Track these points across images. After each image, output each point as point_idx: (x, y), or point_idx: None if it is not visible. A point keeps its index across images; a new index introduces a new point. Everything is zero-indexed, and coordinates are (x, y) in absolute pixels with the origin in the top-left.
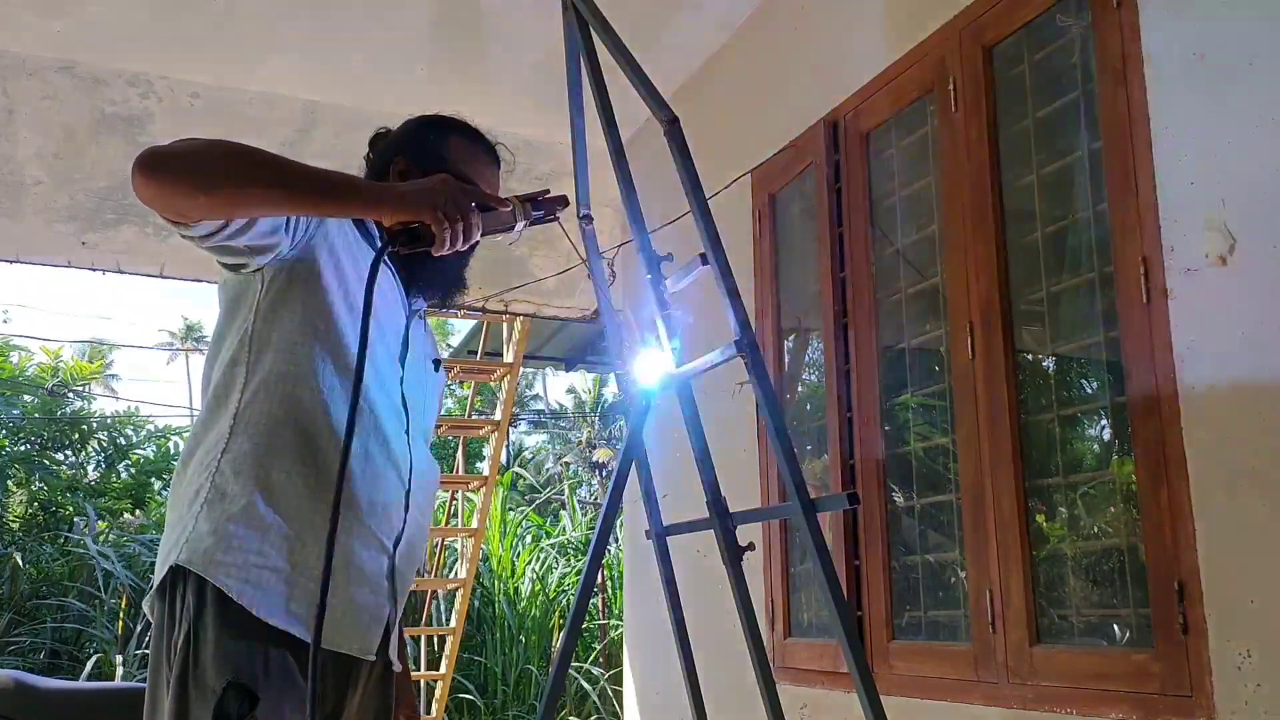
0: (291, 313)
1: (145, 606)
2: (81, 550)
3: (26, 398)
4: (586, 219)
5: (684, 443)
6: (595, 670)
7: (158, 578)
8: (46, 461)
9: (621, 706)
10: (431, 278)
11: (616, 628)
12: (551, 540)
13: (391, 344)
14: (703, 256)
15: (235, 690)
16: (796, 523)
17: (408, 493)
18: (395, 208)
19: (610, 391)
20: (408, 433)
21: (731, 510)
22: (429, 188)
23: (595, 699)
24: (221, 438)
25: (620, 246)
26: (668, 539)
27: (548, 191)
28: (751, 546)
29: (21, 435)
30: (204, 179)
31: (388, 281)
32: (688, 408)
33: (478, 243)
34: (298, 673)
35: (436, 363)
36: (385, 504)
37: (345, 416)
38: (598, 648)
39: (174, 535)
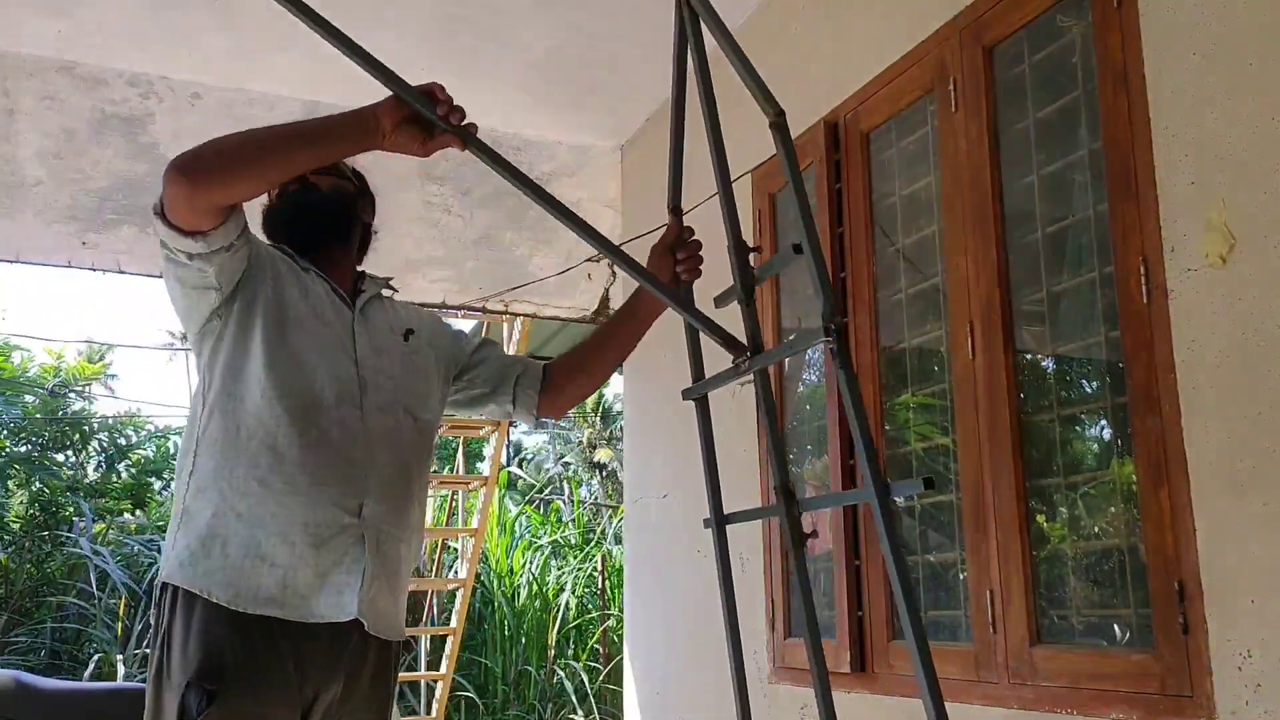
0: (234, 337)
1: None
2: (80, 550)
3: (28, 398)
4: (675, 212)
5: (683, 443)
6: (595, 668)
7: (156, 594)
8: (47, 462)
9: (621, 706)
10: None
11: (617, 626)
12: (551, 540)
13: (340, 336)
14: (796, 246)
15: (194, 688)
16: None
17: (365, 464)
18: (362, 140)
19: (611, 392)
20: (361, 407)
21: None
22: (387, 109)
23: (595, 698)
24: (188, 461)
25: (622, 245)
26: (664, 539)
27: None
28: (815, 534)
29: (22, 436)
30: (234, 167)
31: (319, 290)
32: (764, 393)
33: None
34: (283, 653)
35: (408, 333)
36: (340, 479)
37: (287, 415)
38: (600, 648)
39: (163, 558)
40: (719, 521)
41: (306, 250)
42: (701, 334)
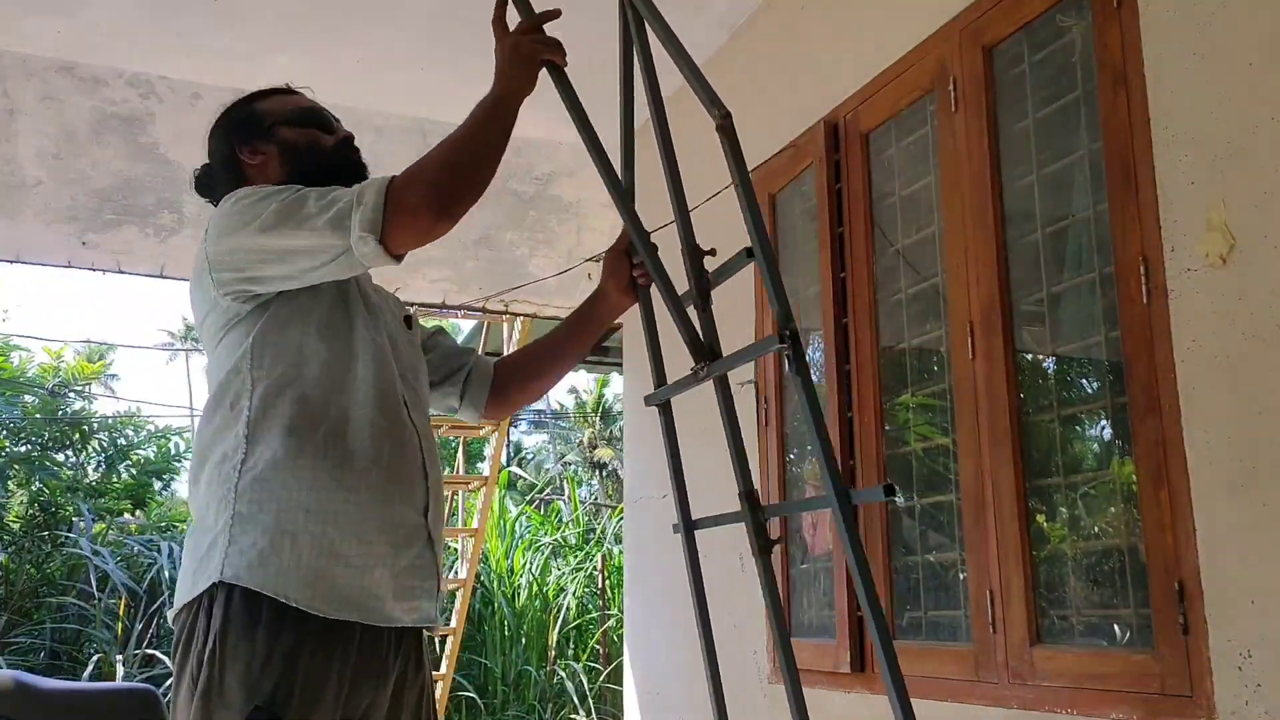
0: (292, 314)
1: (171, 618)
2: (80, 551)
3: (28, 398)
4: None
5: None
6: (595, 668)
7: (191, 593)
8: (47, 462)
9: (621, 706)
10: None
11: (617, 626)
12: (551, 540)
13: (388, 322)
14: (748, 250)
15: (262, 712)
16: (795, 525)
17: (424, 461)
18: (520, 86)
19: (611, 392)
20: (409, 402)
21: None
22: (508, 54)
23: (595, 698)
24: (239, 447)
25: None
26: (664, 539)
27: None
28: (780, 539)
29: (22, 436)
30: (471, 187)
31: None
32: (724, 399)
33: None
34: (343, 669)
35: (408, 319)
36: (409, 477)
37: (357, 406)
38: (600, 648)
39: (202, 548)
40: (687, 526)
41: None
42: (661, 339)
